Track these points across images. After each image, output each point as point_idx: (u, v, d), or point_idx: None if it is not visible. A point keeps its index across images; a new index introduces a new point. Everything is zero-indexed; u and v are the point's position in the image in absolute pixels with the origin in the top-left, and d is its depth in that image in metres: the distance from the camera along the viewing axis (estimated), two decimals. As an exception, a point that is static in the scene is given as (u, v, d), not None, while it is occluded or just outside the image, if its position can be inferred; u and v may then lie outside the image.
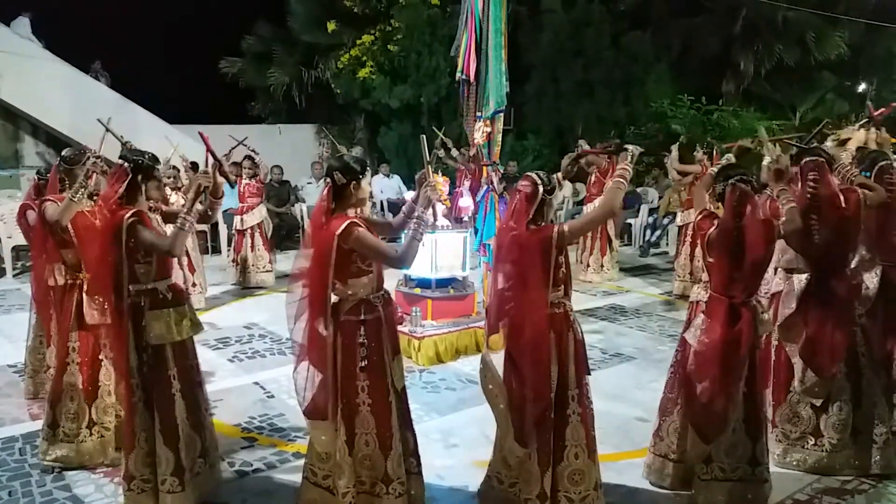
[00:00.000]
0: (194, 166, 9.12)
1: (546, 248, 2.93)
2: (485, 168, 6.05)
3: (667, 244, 10.70)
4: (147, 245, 3.04)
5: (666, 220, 10.67)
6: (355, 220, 2.95)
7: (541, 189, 2.99)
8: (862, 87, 15.67)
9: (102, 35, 14.13)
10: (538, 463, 2.99)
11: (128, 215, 3.01)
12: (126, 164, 3.11)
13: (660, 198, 11.38)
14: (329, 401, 2.98)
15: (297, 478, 3.34)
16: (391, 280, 6.18)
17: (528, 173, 3.08)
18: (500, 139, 6.04)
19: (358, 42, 13.24)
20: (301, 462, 3.32)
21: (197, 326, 3.26)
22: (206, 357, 5.47)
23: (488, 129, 5.83)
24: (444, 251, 5.69)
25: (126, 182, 3.09)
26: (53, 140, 11.50)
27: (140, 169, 3.14)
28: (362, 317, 3.01)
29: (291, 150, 13.31)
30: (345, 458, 3.00)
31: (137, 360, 3.10)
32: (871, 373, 3.74)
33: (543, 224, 3.02)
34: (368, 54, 13.15)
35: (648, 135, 13.16)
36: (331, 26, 13.59)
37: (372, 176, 12.07)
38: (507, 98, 5.82)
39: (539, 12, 13.11)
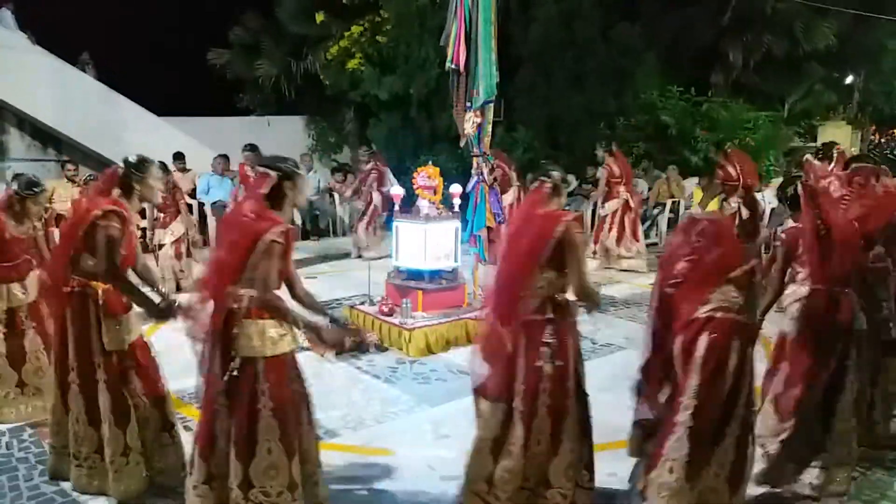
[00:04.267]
0: (179, 156, 9.04)
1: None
2: (475, 159, 6.02)
3: (656, 234, 10.73)
4: (272, 268, 2.77)
5: (655, 211, 10.69)
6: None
7: None
8: (850, 78, 15.77)
9: (89, 26, 13.99)
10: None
11: (278, 232, 2.77)
12: (274, 173, 2.92)
13: (649, 189, 11.40)
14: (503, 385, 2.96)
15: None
16: (381, 273, 6.19)
17: None
18: (491, 130, 6.01)
19: (347, 33, 13.16)
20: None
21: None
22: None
23: (478, 120, 5.80)
24: (434, 241, 5.69)
25: (274, 189, 2.90)
26: (39, 132, 11.38)
27: (289, 177, 2.96)
28: (549, 315, 3.01)
29: (280, 142, 13.23)
30: None
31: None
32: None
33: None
34: (357, 45, 13.07)
35: (638, 126, 13.18)
36: (319, 17, 13.51)
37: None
38: (497, 89, 5.80)
39: (529, 3, 13.07)
